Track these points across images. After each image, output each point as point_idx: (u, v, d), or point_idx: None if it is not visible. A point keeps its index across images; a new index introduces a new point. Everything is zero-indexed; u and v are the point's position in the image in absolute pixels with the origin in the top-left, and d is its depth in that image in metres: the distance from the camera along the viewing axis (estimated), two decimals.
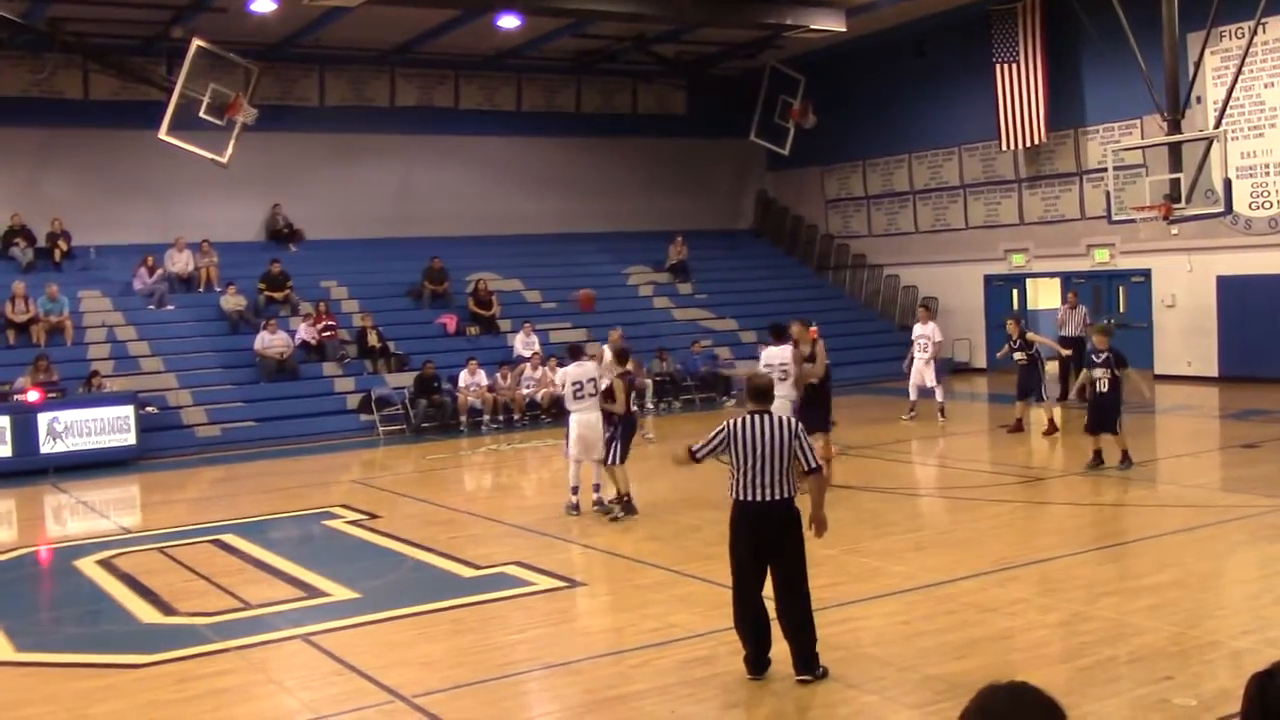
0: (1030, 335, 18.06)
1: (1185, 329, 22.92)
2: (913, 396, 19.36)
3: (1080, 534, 10.91)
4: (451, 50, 26.68)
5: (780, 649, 7.37)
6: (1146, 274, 23.71)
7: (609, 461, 12.62)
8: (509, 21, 23.89)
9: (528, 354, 22.76)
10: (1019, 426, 17.30)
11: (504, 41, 25.98)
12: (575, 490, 12.85)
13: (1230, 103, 19.87)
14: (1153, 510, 11.94)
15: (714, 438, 7.40)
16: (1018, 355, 17.62)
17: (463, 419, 21.25)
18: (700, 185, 31.38)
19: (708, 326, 26.51)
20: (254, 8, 21.67)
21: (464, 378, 21.37)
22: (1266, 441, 15.62)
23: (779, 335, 13.51)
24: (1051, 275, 26.06)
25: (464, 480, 17.50)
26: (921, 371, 19.20)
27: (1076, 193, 24.87)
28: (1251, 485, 12.78)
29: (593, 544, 11.43)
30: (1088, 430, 14.19)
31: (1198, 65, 19.75)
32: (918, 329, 19.60)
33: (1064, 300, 22.45)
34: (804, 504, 7.48)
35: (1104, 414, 13.95)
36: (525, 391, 21.76)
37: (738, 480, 7.29)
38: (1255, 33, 19.46)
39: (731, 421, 7.39)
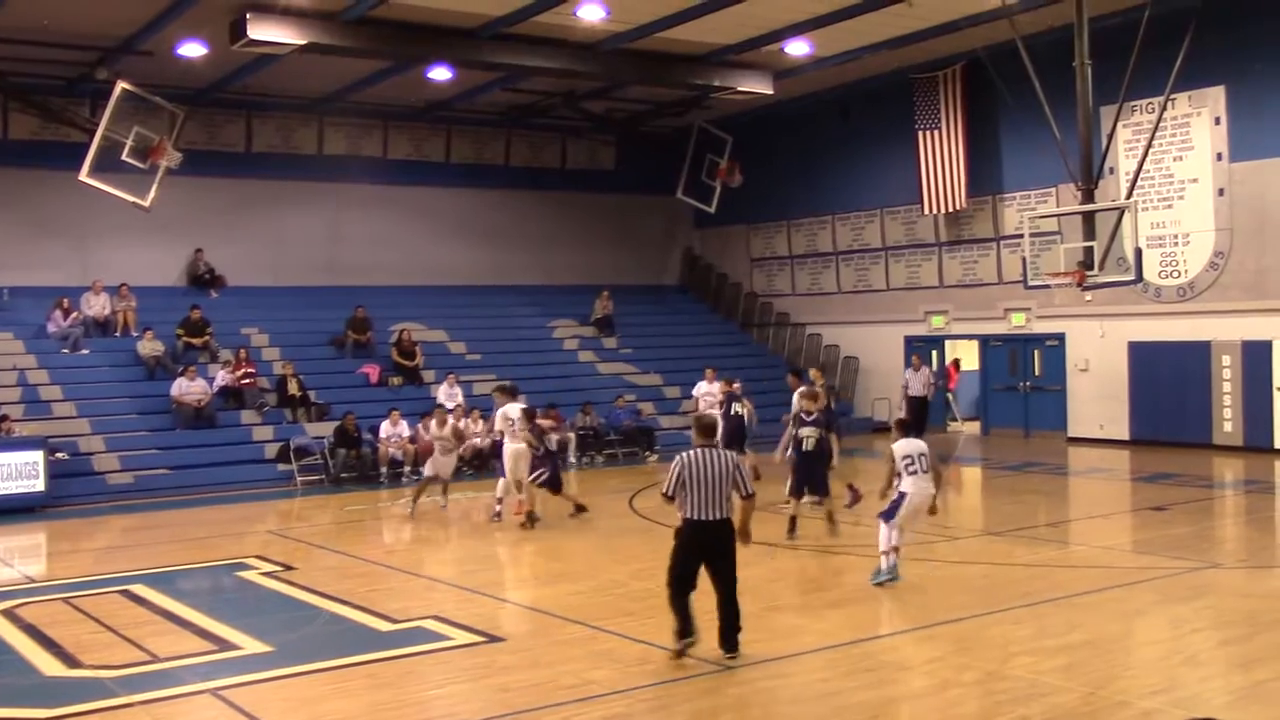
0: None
1: (1098, 393, 23.44)
2: None
3: (995, 594, 11.04)
4: (381, 100, 26.69)
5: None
6: (1061, 338, 24.25)
7: (531, 479, 15.36)
8: (440, 74, 23.99)
9: (451, 405, 22.59)
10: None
11: (435, 93, 26.07)
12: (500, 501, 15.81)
13: (1141, 174, 20.47)
14: (1066, 571, 12.13)
15: (672, 473, 8.79)
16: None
17: (383, 470, 21.03)
18: (627, 240, 31.60)
19: (632, 381, 26.59)
20: (182, 52, 21.55)
21: (385, 428, 21.17)
22: (1175, 505, 15.97)
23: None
24: (970, 337, 26.56)
25: (383, 532, 17.28)
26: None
27: (994, 257, 25.43)
28: (1161, 547, 13.06)
29: (512, 599, 11.35)
30: (791, 493, 14.06)
31: (1110, 137, 20.36)
32: (703, 386, 20.95)
33: (908, 364, 23.16)
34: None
35: (810, 475, 13.86)
36: (475, 442, 21.50)
37: (689, 503, 8.68)
38: (1164, 108, 20.14)
39: (683, 455, 8.81)
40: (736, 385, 18.18)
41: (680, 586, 8.87)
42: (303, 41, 20.26)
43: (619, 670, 8.73)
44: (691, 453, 8.81)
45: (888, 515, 11.26)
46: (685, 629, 8.85)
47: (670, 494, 8.84)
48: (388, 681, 8.70)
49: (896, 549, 11.28)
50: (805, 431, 13.80)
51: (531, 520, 15.32)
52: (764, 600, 10.91)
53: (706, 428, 9.15)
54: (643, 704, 7.94)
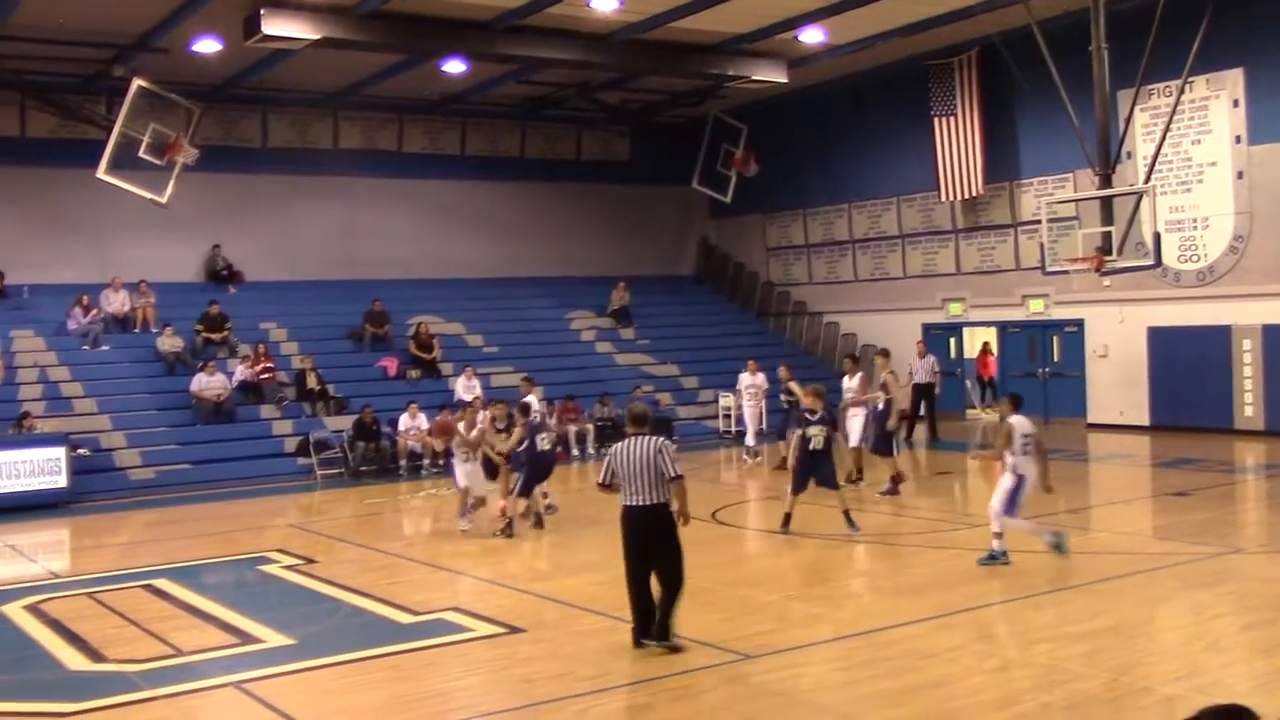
0: (792, 385, 18.57)
1: (1117, 379, 23.33)
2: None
3: (1016, 581, 11.01)
4: (396, 93, 26.72)
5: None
6: (1080, 324, 24.14)
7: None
8: (454, 66, 24.00)
9: (469, 398, 22.62)
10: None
11: (449, 86, 26.08)
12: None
13: (1159, 158, 20.38)
14: (1087, 557, 12.08)
15: (605, 463, 9.07)
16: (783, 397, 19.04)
17: (402, 463, 21.09)
18: (643, 231, 31.57)
19: (649, 371, 26.60)
20: (197, 48, 21.60)
21: (404, 421, 21.23)
22: (1196, 490, 15.90)
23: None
24: (987, 324, 26.46)
25: (403, 525, 17.33)
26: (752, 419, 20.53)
27: (1012, 244, 25.33)
28: (1183, 533, 13.01)
29: (533, 590, 11.36)
30: (792, 492, 13.69)
31: (1128, 121, 20.25)
32: (745, 379, 20.99)
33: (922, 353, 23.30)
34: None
35: (817, 472, 13.57)
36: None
37: (623, 490, 8.92)
38: (1182, 91, 20.01)
39: (615, 445, 9.11)
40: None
41: (631, 583, 8.95)
42: (317, 36, 20.29)
43: (640, 661, 8.74)
44: (622, 442, 9.08)
45: (1010, 507, 11.34)
46: (643, 632, 8.91)
47: (605, 483, 9.07)
48: (409, 673, 8.74)
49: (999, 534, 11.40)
50: (812, 431, 13.53)
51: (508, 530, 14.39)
52: (782, 589, 10.94)
53: (637, 416, 9.38)
54: (664, 694, 7.95)
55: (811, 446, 13.52)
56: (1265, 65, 20.76)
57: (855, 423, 17.36)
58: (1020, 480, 11.40)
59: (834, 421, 14.03)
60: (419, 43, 22.13)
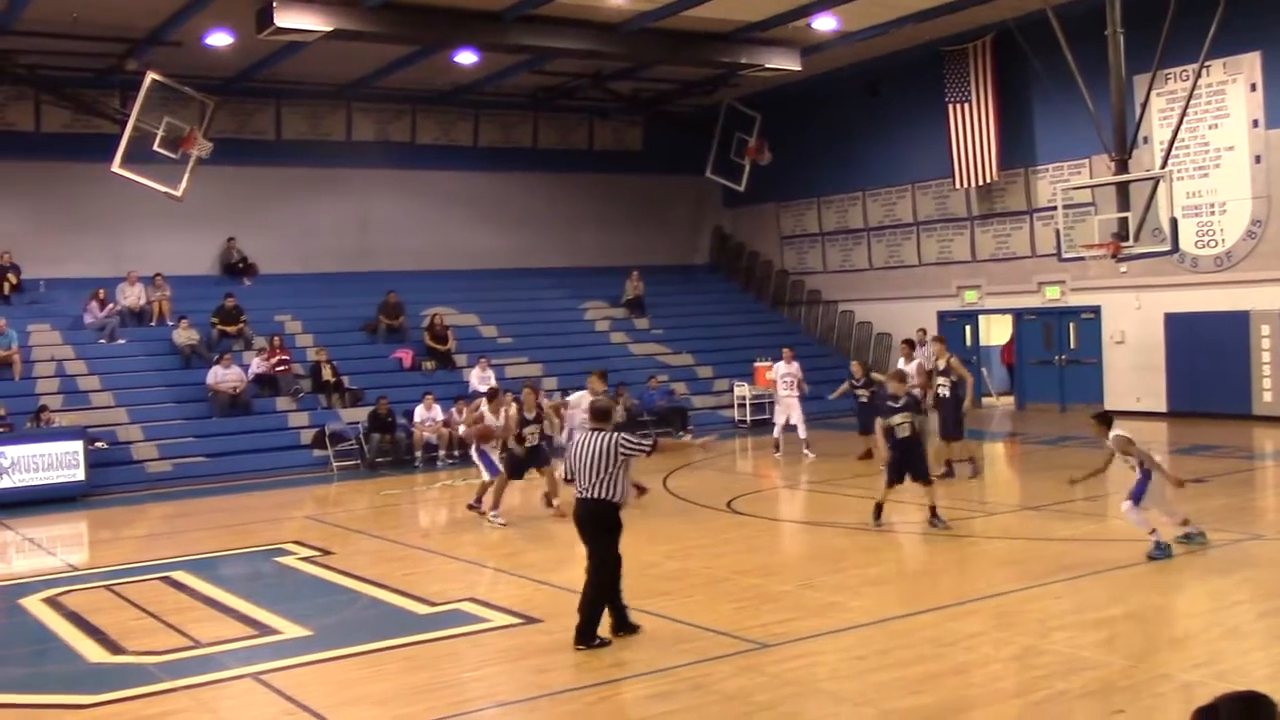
0: (874, 374, 18.98)
1: (1134, 365, 23.23)
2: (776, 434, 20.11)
3: (1034, 568, 10.97)
4: (408, 85, 26.73)
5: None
6: (1096, 311, 24.03)
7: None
8: (466, 57, 23.99)
9: (483, 389, 22.63)
10: (869, 454, 17.99)
11: (461, 77, 26.06)
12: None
13: (1175, 143, 20.24)
14: (1105, 544, 12.03)
15: (565, 458, 9.45)
16: (860, 392, 18.80)
17: (418, 454, 21.13)
18: (657, 221, 31.53)
19: (664, 361, 26.58)
20: (210, 42, 21.64)
21: (420, 413, 21.26)
22: (1214, 476, 15.81)
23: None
24: (1004, 311, 26.37)
25: (419, 516, 17.37)
26: (788, 408, 19.83)
27: (1027, 230, 25.21)
28: (1200, 520, 12.89)
29: (549, 580, 11.37)
30: (887, 484, 13.22)
31: (1144, 106, 20.13)
32: (781, 368, 20.15)
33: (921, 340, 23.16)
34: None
35: (910, 462, 13.07)
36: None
37: (575, 483, 9.12)
38: (1199, 75, 19.87)
39: (574, 438, 9.48)
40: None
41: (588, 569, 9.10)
42: (329, 28, 20.28)
43: (656, 650, 8.73)
44: (581, 435, 9.31)
45: (1136, 498, 11.21)
46: (614, 620, 9.06)
47: (568, 478, 9.40)
48: (425, 664, 8.75)
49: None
50: (896, 419, 12.95)
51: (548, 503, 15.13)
52: (799, 578, 10.92)
53: (597, 412, 9.48)
54: (682, 683, 7.93)
55: (899, 435, 12.97)
56: None
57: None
58: (1147, 475, 11.20)
59: (919, 405, 13.48)
60: (430, 33, 22.11)
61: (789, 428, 19.77)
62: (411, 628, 9.79)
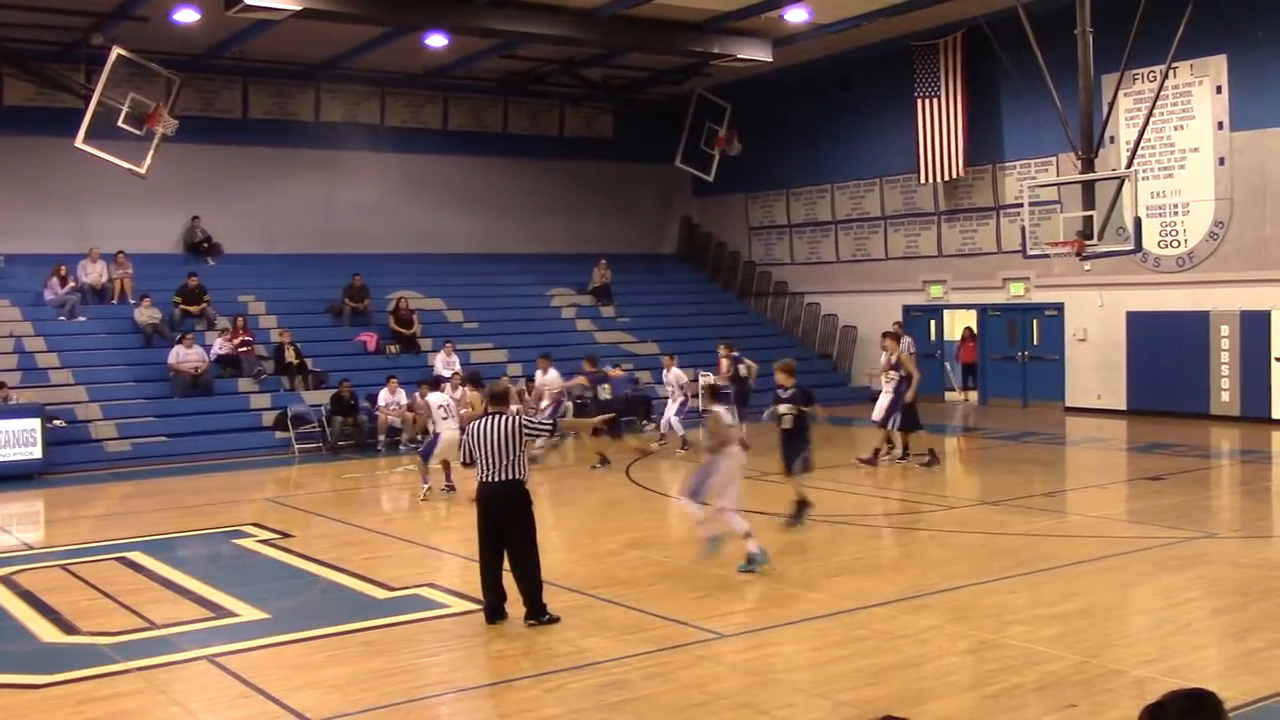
0: (743, 366, 19.65)
1: (1096, 363, 23.43)
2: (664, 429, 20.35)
3: (990, 563, 11.07)
4: (378, 67, 26.56)
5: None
6: (1059, 308, 24.22)
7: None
8: (436, 40, 23.84)
9: (448, 374, 22.57)
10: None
11: (431, 60, 25.91)
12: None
13: (1141, 143, 20.38)
14: (1061, 540, 12.15)
15: (463, 441, 9.43)
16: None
17: (380, 438, 21.05)
18: (625, 209, 31.49)
19: (629, 350, 26.57)
20: (177, 18, 21.40)
21: (384, 396, 21.17)
22: (1171, 475, 15.99)
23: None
24: (968, 307, 26.51)
25: (380, 500, 17.31)
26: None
27: (993, 227, 25.36)
28: (1156, 517, 13.08)
29: (508, 566, 11.34)
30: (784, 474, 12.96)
31: (1111, 106, 20.27)
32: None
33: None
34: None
35: (789, 451, 12.76)
36: None
37: (479, 466, 9.13)
38: (1166, 76, 20.02)
39: (473, 422, 9.49)
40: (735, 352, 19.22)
41: (482, 560, 9.19)
42: (298, 7, 20.10)
43: (613, 638, 8.75)
44: (481, 419, 9.40)
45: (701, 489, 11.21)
46: (494, 611, 9.15)
47: (465, 461, 9.37)
48: (383, 649, 8.73)
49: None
50: (781, 409, 12.68)
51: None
52: (760, 569, 10.94)
53: (496, 395, 9.67)
54: (638, 671, 7.95)
55: (783, 426, 12.75)
56: (1248, 52, 20.80)
57: (881, 399, 17.41)
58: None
59: (808, 398, 13.07)
60: (401, 15, 21.98)
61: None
62: (370, 612, 9.77)
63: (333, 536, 13.35)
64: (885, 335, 18.39)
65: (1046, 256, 21.04)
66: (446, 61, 26.22)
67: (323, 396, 21.67)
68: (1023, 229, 20.95)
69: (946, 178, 25.51)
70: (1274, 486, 16.13)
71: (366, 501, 16.97)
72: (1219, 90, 21.33)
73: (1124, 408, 22.75)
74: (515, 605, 9.21)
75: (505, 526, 9.10)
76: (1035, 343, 24.95)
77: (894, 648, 8.38)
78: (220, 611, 9.91)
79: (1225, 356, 21.35)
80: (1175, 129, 21.89)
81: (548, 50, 25.73)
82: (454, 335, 24.53)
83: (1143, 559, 11.16)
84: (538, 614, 9.06)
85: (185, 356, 21.51)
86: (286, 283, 25.52)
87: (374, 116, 28.38)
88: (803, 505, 12.71)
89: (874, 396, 18.32)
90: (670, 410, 20.21)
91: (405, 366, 23.11)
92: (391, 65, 26.54)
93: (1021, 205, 21.15)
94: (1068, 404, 23.84)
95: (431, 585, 10.57)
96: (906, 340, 22.94)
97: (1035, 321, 25.00)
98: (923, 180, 25.99)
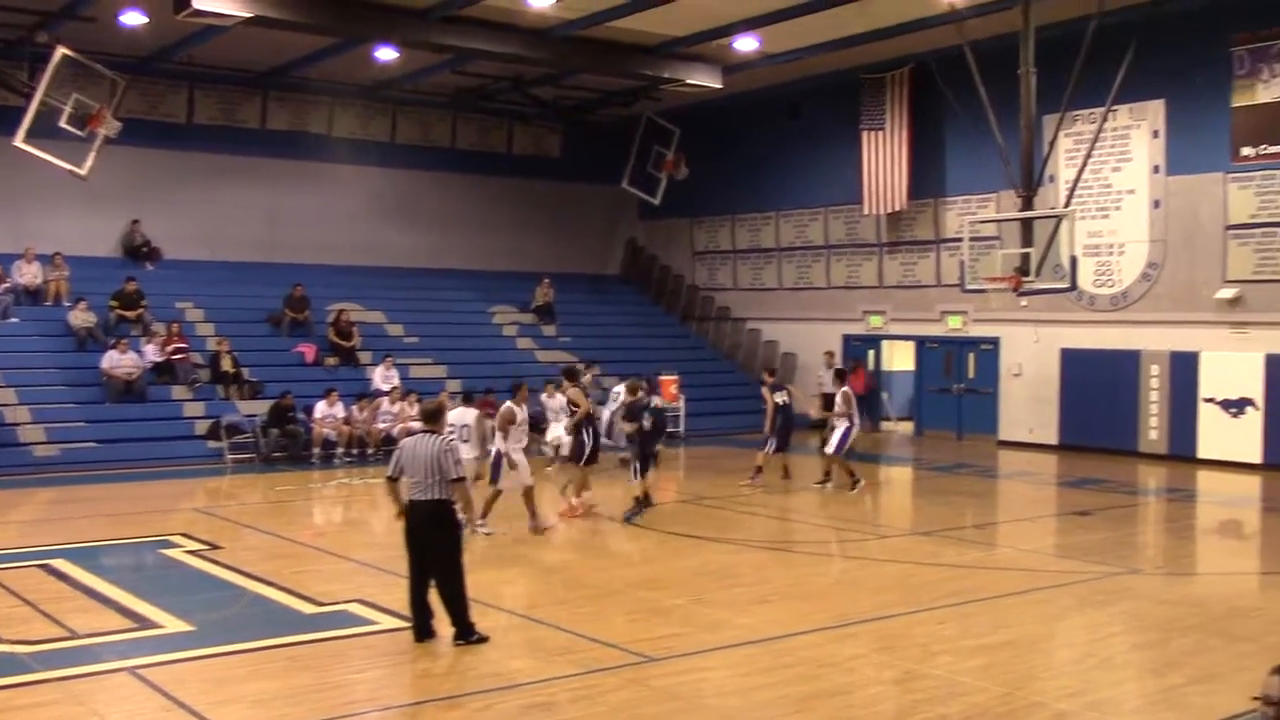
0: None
1: (1029, 397, 23.75)
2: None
3: (919, 593, 11.18)
4: (327, 77, 26.43)
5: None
6: (995, 342, 24.54)
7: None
8: (386, 53, 23.77)
9: (386, 388, 22.49)
10: None
11: (381, 72, 25.82)
12: None
13: (1080, 184, 20.80)
14: (990, 572, 12.30)
15: (394, 457, 9.37)
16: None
17: (316, 451, 20.86)
18: (570, 229, 31.54)
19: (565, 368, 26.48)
20: (124, 20, 21.15)
21: (321, 409, 21.00)
22: (1099, 510, 16.25)
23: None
24: (907, 338, 26.79)
25: (313, 513, 17.15)
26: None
27: (934, 260, 25.68)
28: (1083, 552, 13.28)
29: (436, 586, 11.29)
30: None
31: (1052, 146, 20.64)
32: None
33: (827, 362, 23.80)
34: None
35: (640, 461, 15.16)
36: (381, 426, 21.48)
37: (409, 485, 9.14)
38: (1105, 119, 20.42)
39: (404, 440, 9.54)
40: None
41: (413, 574, 9.17)
42: (249, 14, 19.95)
43: (543, 659, 8.74)
44: (412, 437, 9.50)
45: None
46: (421, 626, 9.13)
47: (391, 476, 9.32)
48: (309, 664, 8.65)
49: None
50: (629, 426, 15.38)
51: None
52: (690, 593, 10.99)
53: (428, 413, 9.75)
54: (566, 694, 7.94)
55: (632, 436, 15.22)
56: (1185, 98, 21.28)
57: (837, 433, 17.48)
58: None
59: (633, 414, 15.26)
60: (354, 27, 21.86)
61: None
62: (297, 627, 9.68)
63: (262, 549, 13.20)
64: (836, 372, 19.04)
65: (984, 291, 21.38)
66: (396, 74, 26.14)
67: (259, 407, 21.44)
68: (961, 263, 21.24)
69: (889, 210, 25.82)
70: (1198, 525, 16.44)
71: (299, 514, 16.80)
72: (1156, 134, 21.79)
73: (1055, 443, 23.08)
74: (446, 624, 9.17)
75: (430, 546, 9.09)
76: (971, 376, 25.26)
77: (821, 676, 8.44)
78: (144, 622, 9.77)
79: (1155, 396, 21.75)
80: (1113, 170, 22.32)
81: (498, 67, 25.74)
82: (394, 349, 24.39)
83: (1068, 593, 11.32)
84: (465, 634, 9.03)
85: (119, 362, 21.20)
86: (226, 291, 25.25)
87: (321, 127, 28.21)
88: (643, 502, 14.92)
89: (812, 424, 18.67)
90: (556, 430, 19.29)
91: (344, 379, 22.93)
92: (341, 76, 26.42)
93: (962, 240, 21.45)
94: (1001, 437, 24.15)
95: (361, 601, 10.48)
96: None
97: (971, 355, 25.31)
98: (866, 211, 26.28)
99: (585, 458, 15.50)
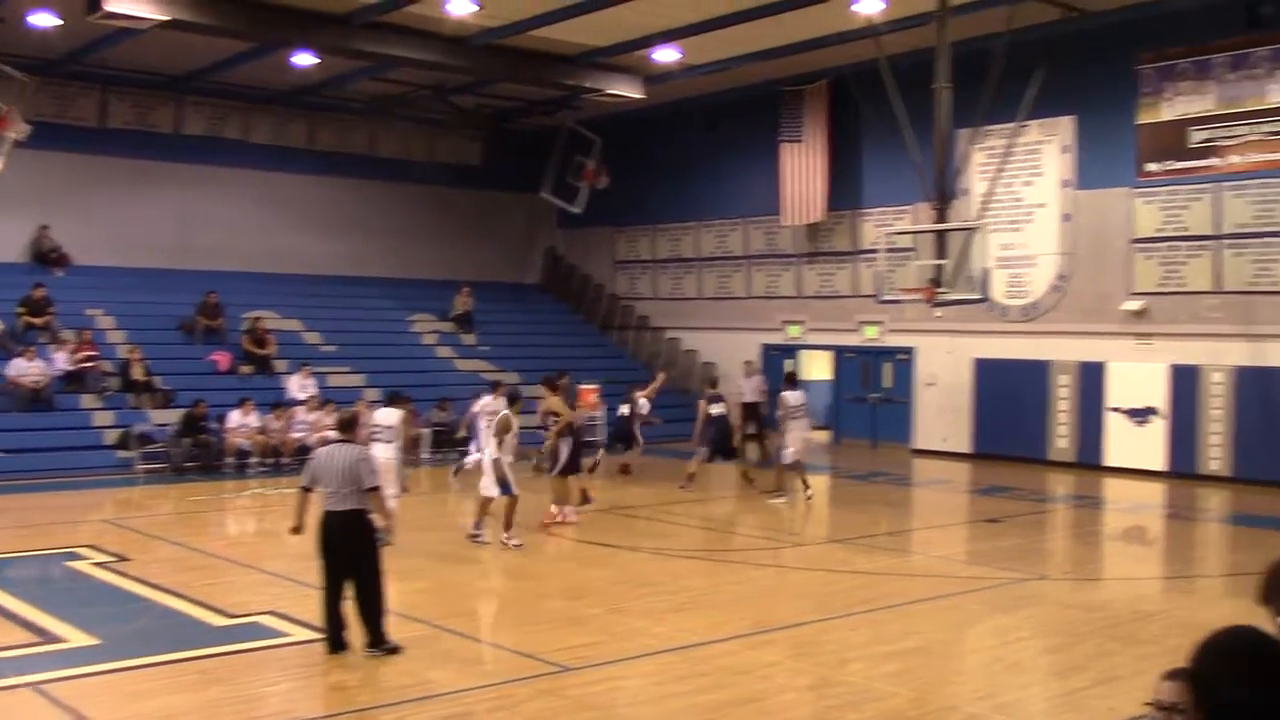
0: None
1: (943, 407, 24.14)
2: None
3: (835, 600, 11.32)
4: (244, 82, 26.11)
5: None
6: (910, 353, 24.92)
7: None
8: (305, 59, 23.54)
9: (303, 397, 22.23)
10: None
11: (300, 78, 25.55)
12: None
13: (992, 197, 21.22)
14: (903, 579, 12.49)
15: (307, 466, 9.31)
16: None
17: (229, 460, 20.56)
18: (491, 237, 31.46)
19: (490, 378, 26.35)
20: (34, 21, 20.70)
21: (235, 418, 20.70)
22: (1008, 517, 16.56)
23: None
24: (824, 348, 27.09)
25: (225, 524, 16.88)
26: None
27: (851, 271, 26.00)
28: (993, 558, 13.54)
29: (352, 595, 11.18)
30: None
31: (966, 160, 21.01)
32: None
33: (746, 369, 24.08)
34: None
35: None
36: (297, 435, 21.22)
37: (323, 495, 9.06)
38: (1017, 134, 20.86)
39: (318, 449, 9.53)
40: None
41: (327, 585, 9.07)
42: (164, 18, 19.65)
43: (457, 670, 8.71)
44: (326, 446, 9.44)
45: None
46: (332, 639, 9.01)
47: (306, 486, 9.24)
48: (220, 678, 8.52)
49: None
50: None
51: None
52: (607, 602, 11.02)
53: (342, 423, 9.68)
54: (481, 704, 7.93)
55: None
56: (1094, 114, 21.79)
57: (792, 435, 17.53)
58: None
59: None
60: (271, 32, 21.63)
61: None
62: (208, 639, 9.53)
63: (172, 560, 12.98)
64: (790, 378, 19.23)
65: (899, 302, 21.68)
66: (315, 81, 25.89)
67: (170, 415, 21.07)
68: (877, 274, 21.51)
69: (808, 221, 26.11)
70: (1104, 531, 16.82)
71: (211, 525, 16.53)
72: (1065, 150, 22.28)
73: (968, 451, 23.46)
74: (359, 635, 9.09)
75: (347, 557, 9.02)
76: (887, 385, 25.60)
77: (736, 683, 8.50)
78: (48, 636, 9.56)
79: (1064, 405, 22.22)
80: (1024, 185, 22.78)
81: (419, 75, 25.59)
82: (311, 357, 24.13)
83: (978, 599, 11.53)
84: (378, 643, 8.98)
85: (26, 370, 20.71)
86: (137, 298, 24.78)
87: (238, 132, 27.85)
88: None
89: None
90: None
91: (259, 388, 22.61)
92: (258, 81, 26.11)
93: (878, 251, 21.74)
94: (915, 446, 24.50)
95: (273, 613, 10.36)
96: (757, 379, 23.54)
97: (887, 365, 25.65)
98: (785, 222, 26.54)
99: (563, 468, 15.42)
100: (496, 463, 13.64)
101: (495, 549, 13.64)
